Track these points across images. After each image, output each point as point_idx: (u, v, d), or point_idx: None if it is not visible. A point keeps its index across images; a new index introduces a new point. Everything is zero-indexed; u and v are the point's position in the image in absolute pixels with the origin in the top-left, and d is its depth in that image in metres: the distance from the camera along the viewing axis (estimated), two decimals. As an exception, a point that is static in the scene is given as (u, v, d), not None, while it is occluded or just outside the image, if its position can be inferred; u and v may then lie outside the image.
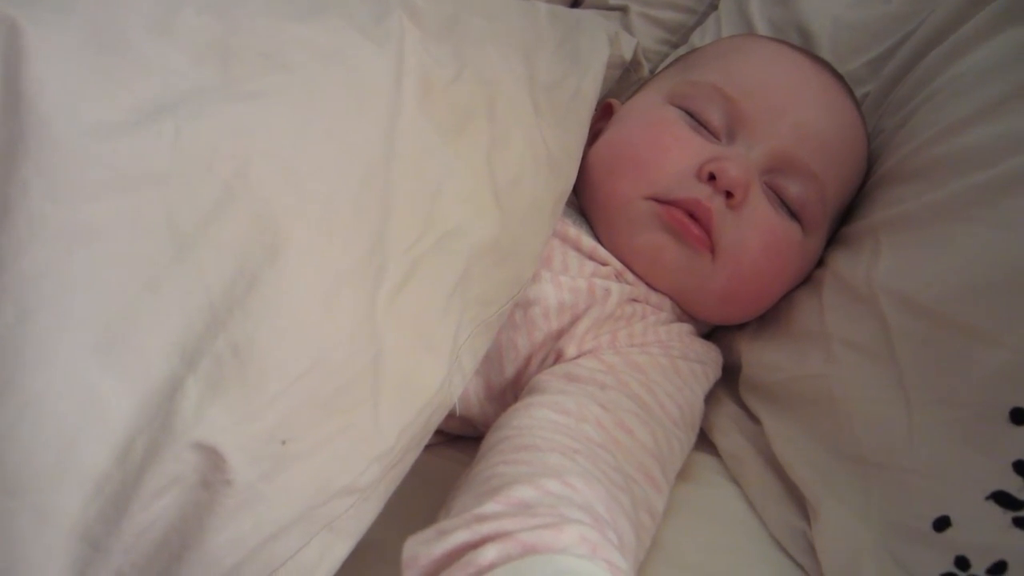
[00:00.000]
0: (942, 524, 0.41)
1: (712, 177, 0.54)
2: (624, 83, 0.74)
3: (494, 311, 0.48)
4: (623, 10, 0.95)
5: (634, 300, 0.56)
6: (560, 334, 0.54)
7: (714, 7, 0.90)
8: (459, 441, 0.58)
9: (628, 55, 0.70)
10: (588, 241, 0.57)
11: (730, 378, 0.61)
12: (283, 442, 0.35)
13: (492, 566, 0.32)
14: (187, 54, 0.38)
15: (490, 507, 0.36)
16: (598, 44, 0.64)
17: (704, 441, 0.57)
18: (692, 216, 0.54)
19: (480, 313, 0.46)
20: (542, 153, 0.52)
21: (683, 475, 0.52)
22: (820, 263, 0.60)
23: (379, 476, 0.39)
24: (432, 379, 0.42)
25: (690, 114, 0.58)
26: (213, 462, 0.33)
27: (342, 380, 0.37)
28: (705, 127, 0.57)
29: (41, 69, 0.33)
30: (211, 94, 0.37)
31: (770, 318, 0.60)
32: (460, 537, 0.34)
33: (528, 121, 0.52)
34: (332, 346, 0.37)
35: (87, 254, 0.32)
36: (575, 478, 0.39)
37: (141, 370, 0.33)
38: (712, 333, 0.64)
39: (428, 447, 0.58)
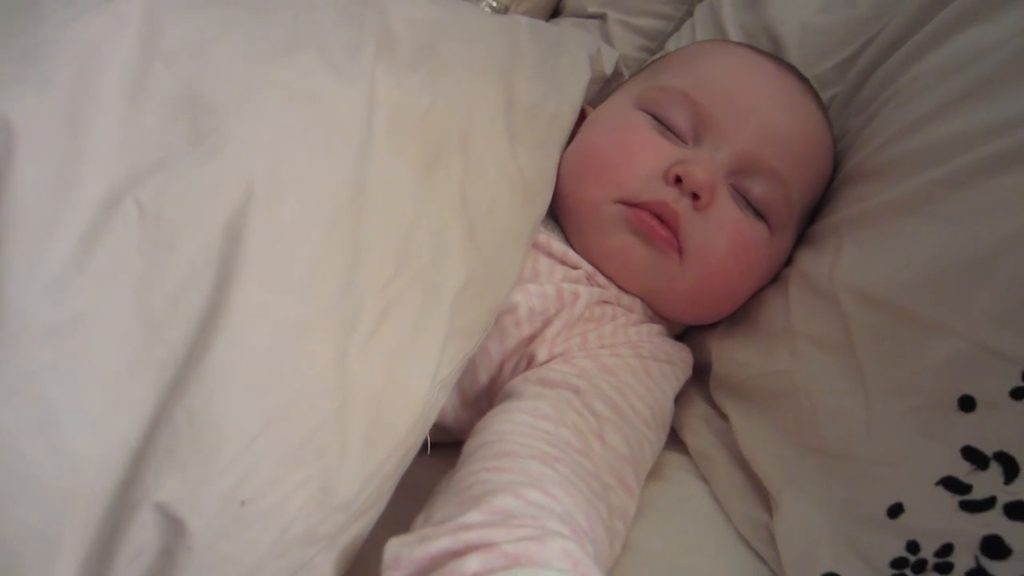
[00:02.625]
0: (896, 511, 0.42)
1: (678, 180, 0.55)
2: (606, 91, 0.75)
3: (475, 341, 0.48)
4: (602, 18, 0.97)
5: (605, 302, 0.58)
6: (532, 338, 0.55)
7: (690, 14, 0.92)
8: (434, 448, 0.59)
9: (609, 69, 0.71)
10: (559, 246, 0.58)
11: (701, 377, 0.62)
12: (243, 503, 0.35)
13: None
14: (158, 114, 0.39)
15: (473, 516, 0.37)
16: (579, 64, 0.65)
17: (675, 440, 0.58)
18: (659, 218, 0.56)
19: (462, 345, 0.47)
20: (517, 181, 0.53)
21: (654, 474, 0.53)
22: (788, 262, 0.61)
23: (344, 524, 0.39)
24: (405, 422, 0.42)
25: (657, 119, 0.59)
26: (173, 529, 0.34)
27: (304, 433, 0.38)
28: (672, 131, 0.59)
29: (23, 171, 0.35)
30: (178, 160, 0.38)
31: (740, 317, 0.62)
32: (444, 544, 0.35)
33: (502, 149, 0.53)
34: (291, 401, 0.38)
35: (72, 344, 0.34)
36: (555, 487, 0.40)
37: (120, 447, 0.34)
38: (684, 333, 0.65)
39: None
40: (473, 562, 0.33)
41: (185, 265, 0.37)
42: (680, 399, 0.60)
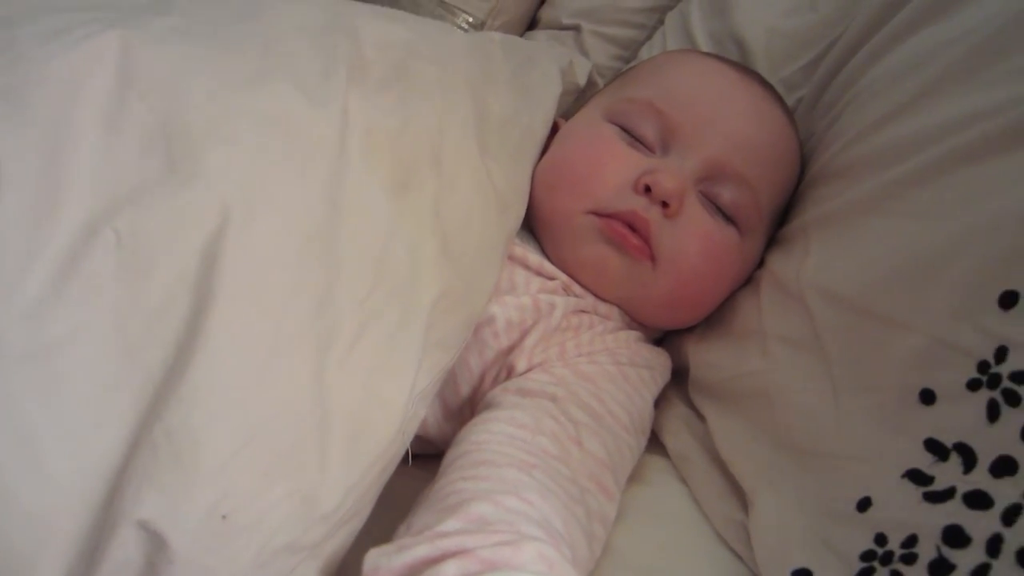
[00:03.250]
0: (864, 504, 0.43)
1: (648, 189, 0.57)
2: (580, 101, 0.77)
3: (452, 354, 0.49)
4: (576, 29, 0.98)
5: (581, 311, 0.59)
6: (510, 350, 0.56)
7: (662, 22, 0.93)
8: (418, 459, 0.60)
9: (583, 80, 0.72)
10: (535, 258, 0.59)
11: (680, 380, 0.63)
12: (224, 516, 0.36)
13: None
14: (134, 145, 0.40)
15: (450, 524, 0.38)
16: (550, 77, 0.66)
17: (655, 443, 0.59)
18: (631, 227, 0.57)
19: (439, 358, 0.48)
20: (491, 195, 0.54)
21: (633, 477, 0.54)
22: (761, 264, 0.63)
23: (327, 533, 0.40)
24: (384, 434, 0.43)
25: (626, 130, 0.61)
26: (156, 545, 0.35)
27: (284, 447, 0.39)
28: (640, 141, 0.60)
29: (2, 201, 0.37)
30: (154, 189, 0.40)
31: (715, 320, 0.63)
32: (421, 552, 0.36)
33: (475, 165, 0.54)
34: (270, 417, 0.38)
35: (51, 369, 0.35)
36: (532, 493, 0.41)
37: (99, 467, 0.35)
38: (663, 338, 0.66)
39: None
40: (450, 568, 0.34)
41: (162, 290, 0.38)
42: (660, 402, 0.61)
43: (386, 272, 0.45)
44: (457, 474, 0.43)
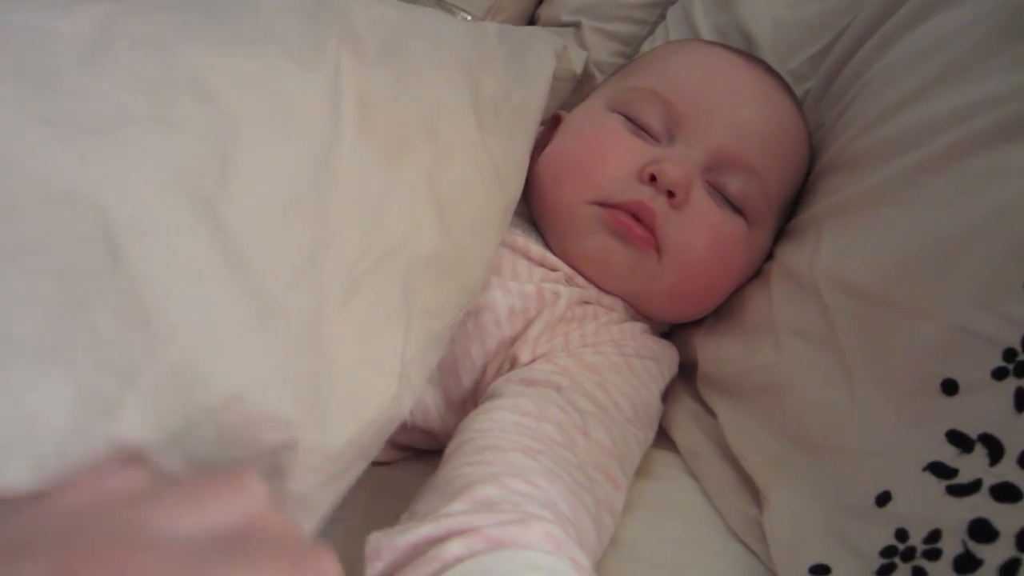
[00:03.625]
0: (884, 499, 0.42)
1: (653, 178, 0.55)
2: (578, 95, 0.76)
3: (444, 322, 0.48)
4: (576, 26, 0.97)
5: (585, 302, 0.57)
6: (513, 340, 0.54)
7: (663, 17, 0.92)
8: (425, 455, 0.59)
9: (579, 68, 0.71)
10: (537, 249, 0.58)
11: (689, 375, 0.62)
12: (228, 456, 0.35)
13: (458, 560, 0.33)
14: (114, 81, 0.39)
15: (455, 506, 0.37)
16: (544, 57, 0.65)
17: (664, 438, 0.57)
18: (636, 218, 0.56)
19: (429, 324, 0.47)
20: (488, 166, 0.53)
21: (643, 472, 0.53)
22: (770, 256, 0.61)
23: (316, 484, 0.39)
24: (381, 394, 0.42)
25: (630, 119, 0.59)
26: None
27: (279, 401, 0.37)
28: (645, 130, 0.59)
29: None
30: (134, 123, 0.38)
31: (724, 313, 0.61)
32: (425, 531, 0.35)
33: (471, 136, 0.53)
34: (269, 370, 0.37)
35: (20, 268, 0.33)
36: (538, 476, 0.40)
37: (81, 387, 0.33)
38: (671, 331, 0.65)
39: (394, 462, 0.59)
40: (456, 546, 0.34)
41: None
42: (668, 397, 0.60)
43: (377, 238, 0.44)
44: (461, 460, 0.42)
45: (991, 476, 0.37)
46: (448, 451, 0.45)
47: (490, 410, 0.47)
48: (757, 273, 0.61)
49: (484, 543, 0.34)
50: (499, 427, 0.44)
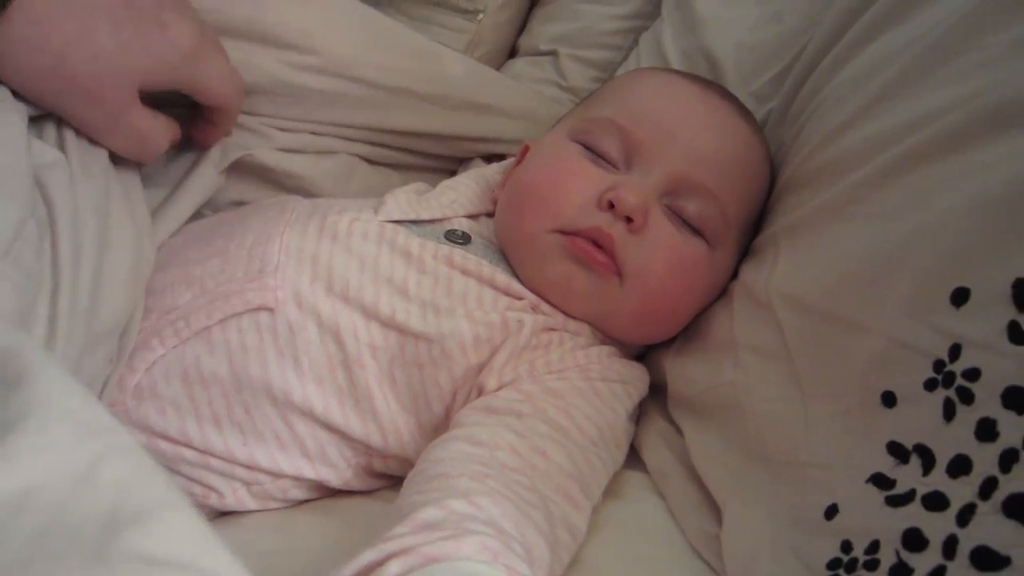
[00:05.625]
0: (831, 511, 0.42)
1: (611, 205, 0.57)
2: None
3: None
4: (553, 54, 0.99)
5: (551, 329, 0.58)
6: (480, 368, 0.56)
7: (638, 43, 0.94)
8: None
9: None
10: (503, 277, 0.59)
11: (660, 396, 0.62)
12: None
13: None
14: None
15: (397, 529, 0.38)
16: None
17: (636, 459, 0.58)
18: (596, 244, 0.57)
19: None
20: None
21: (612, 493, 0.54)
22: (734, 275, 0.62)
23: None
24: None
25: (589, 148, 0.61)
26: None
27: None
28: (604, 158, 0.60)
29: None
30: None
31: (691, 333, 0.62)
32: (366, 557, 0.37)
33: None
34: None
35: None
36: (481, 497, 0.41)
37: None
38: (644, 353, 0.66)
39: (374, 492, 0.60)
40: (393, 567, 0.35)
41: None
42: (641, 418, 0.61)
43: None
44: (412, 489, 0.44)
45: (923, 486, 0.38)
46: (405, 481, 0.46)
47: (446, 440, 0.48)
48: (723, 293, 0.62)
49: (419, 559, 0.35)
50: (451, 456, 0.46)
